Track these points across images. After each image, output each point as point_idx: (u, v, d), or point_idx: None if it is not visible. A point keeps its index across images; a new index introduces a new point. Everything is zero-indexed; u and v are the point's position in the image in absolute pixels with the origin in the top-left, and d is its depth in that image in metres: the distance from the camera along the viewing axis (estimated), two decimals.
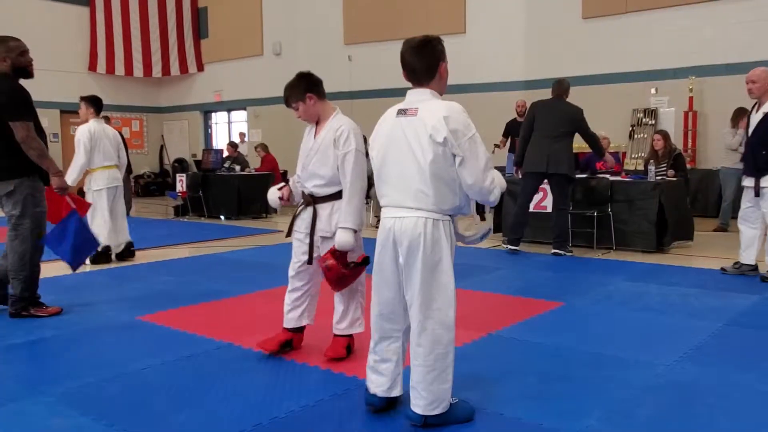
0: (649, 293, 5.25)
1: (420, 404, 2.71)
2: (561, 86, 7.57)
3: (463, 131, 2.59)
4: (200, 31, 17.98)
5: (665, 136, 8.32)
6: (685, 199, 7.81)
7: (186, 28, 17.95)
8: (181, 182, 11.75)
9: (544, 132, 7.15)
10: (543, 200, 7.76)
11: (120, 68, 17.37)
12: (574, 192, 7.52)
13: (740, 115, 8.06)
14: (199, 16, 17.97)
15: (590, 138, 7.19)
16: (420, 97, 2.73)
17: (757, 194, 5.64)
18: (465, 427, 2.79)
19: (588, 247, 7.39)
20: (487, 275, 6.07)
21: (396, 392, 2.88)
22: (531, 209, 7.78)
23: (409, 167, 2.64)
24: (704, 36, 10.53)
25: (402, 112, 2.72)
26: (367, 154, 3.34)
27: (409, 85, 2.86)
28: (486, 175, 2.63)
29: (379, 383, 2.87)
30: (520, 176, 7.50)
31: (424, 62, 2.72)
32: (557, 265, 6.75)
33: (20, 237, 4.57)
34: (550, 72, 12.09)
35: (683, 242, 7.56)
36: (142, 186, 17.75)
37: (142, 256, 7.45)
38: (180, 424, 2.86)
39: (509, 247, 7.38)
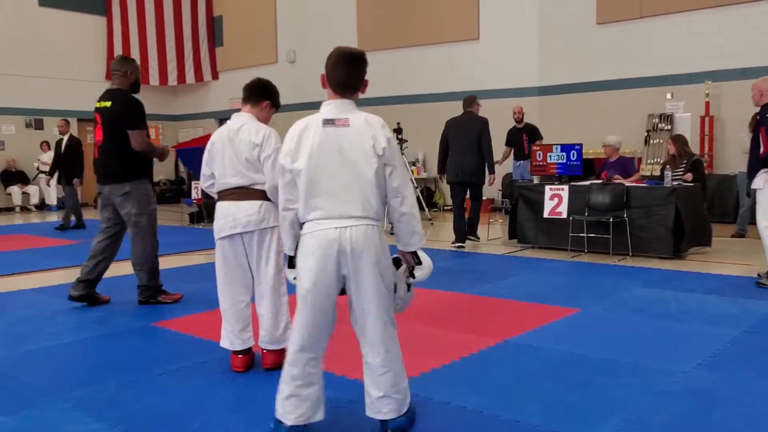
0: (666, 300, 5.20)
1: (394, 407, 2.70)
2: (467, 101, 8.40)
3: (393, 142, 2.65)
4: (215, 39, 18.12)
5: (676, 140, 8.26)
6: (702, 204, 7.73)
7: (201, 36, 18.11)
8: (196, 189, 11.82)
9: (457, 146, 8.17)
10: (558, 206, 7.73)
11: None
12: (589, 197, 7.48)
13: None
14: (214, 25, 18.12)
15: (485, 151, 8.04)
16: (344, 107, 2.66)
17: (748, 194, 5.66)
18: None
19: (604, 253, 7.34)
20: (501, 281, 6.04)
21: (318, 417, 2.71)
22: (546, 215, 7.78)
23: (354, 178, 2.59)
24: (720, 40, 10.44)
25: (330, 123, 2.61)
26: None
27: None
28: (407, 185, 2.68)
29: (300, 412, 2.66)
30: (445, 182, 8.61)
31: (355, 77, 2.69)
32: (573, 271, 6.71)
33: (141, 233, 5.23)
34: (564, 78, 12.08)
35: (701, 248, 7.48)
36: (157, 193, 17.87)
37: None
38: (194, 430, 2.87)
39: (457, 244, 8.26)
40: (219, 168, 3.64)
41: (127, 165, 5.14)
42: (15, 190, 15.41)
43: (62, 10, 16.31)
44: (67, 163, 10.76)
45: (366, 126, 2.61)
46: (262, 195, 3.56)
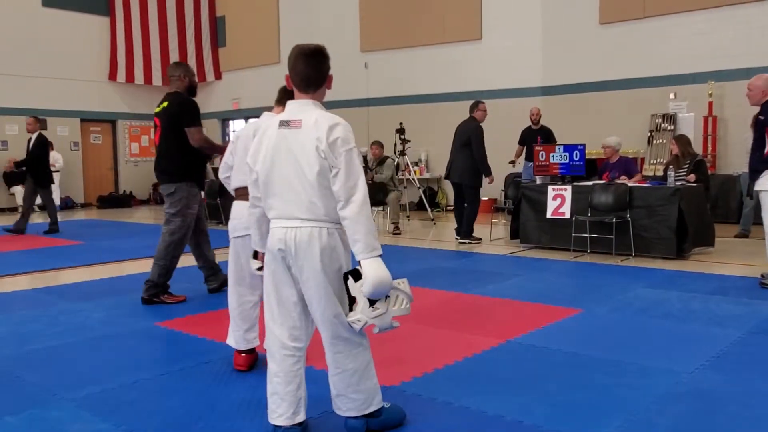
0: (670, 300, 5.19)
1: (353, 407, 2.70)
2: (471, 107, 8.74)
3: (342, 143, 2.54)
4: (218, 39, 18.14)
5: (679, 140, 8.25)
6: (705, 204, 7.72)
7: (204, 37, 18.13)
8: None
9: (453, 148, 8.69)
10: (561, 207, 7.73)
11: (139, 77, 17.56)
12: (592, 197, 7.48)
13: None
14: (217, 25, 18.14)
15: (475, 154, 8.34)
16: (303, 108, 2.67)
17: (750, 196, 5.64)
18: None
19: (607, 253, 7.33)
20: (505, 282, 6.04)
21: (300, 417, 2.73)
22: (549, 216, 7.79)
23: (298, 179, 2.59)
24: (723, 40, 10.43)
25: (285, 124, 2.64)
26: None
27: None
28: (354, 191, 2.53)
29: (281, 411, 2.70)
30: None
31: (316, 71, 2.68)
32: (575, 271, 6.70)
33: (170, 230, 5.37)
34: (568, 78, 12.08)
35: (704, 248, 7.47)
36: (160, 193, 17.87)
37: None
38: (199, 429, 2.87)
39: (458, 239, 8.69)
40: (239, 164, 3.66)
41: (175, 166, 5.34)
42: (18, 190, 15.41)
43: (65, 10, 16.33)
44: (35, 162, 10.30)
45: (314, 126, 2.57)
46: None
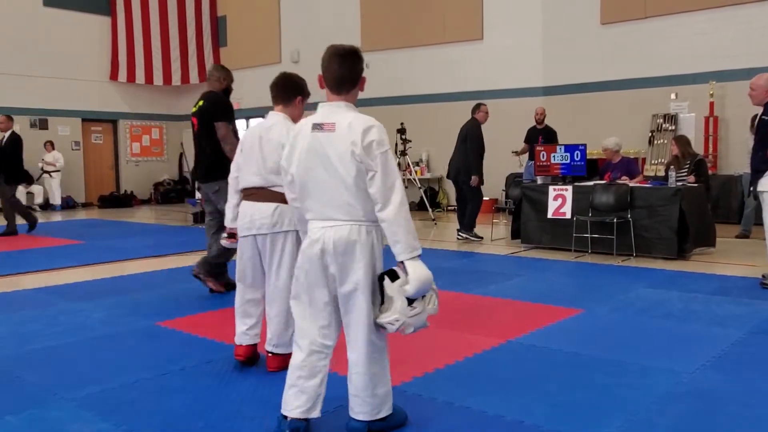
0: (671, 300, 5.19)
1: (365, 411, 2.70)
2: (472, 109, 8.90)
3: (378, 145, 2.56)
4: (219, 39, 18.13)
5: (678, 141, 8.25)
6: (706, 205, 7.71)
7: (205, 36, 18.12)
8: (200, 189, 11.84)
9: (455, 147, 8.83)
10: (562, 207, 7.72)
11: (140, 76, 17.57)
12: (593, 198, 7.48)
13: None
14: (218, 25, 18.13)
15: (468, 152, 8.52)
16: (336, 110, 2.67)
17: (754, 196, 5.63)
18: None
19: (608, 253, 7.33)
20: (506, 282, 6.03)
21: (315, 413, 2.74)
22: (550, 216, 7.79)
23: (334, 182, 2.61)
24: (725, 40, 10.42)
25: (318, 127, 2.65)
26: None
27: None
28: (391, 192, 2.55)
29: (298, 404, 2.70)
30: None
31: (351, 70, 2.69)
32: (576, 271, 6.70)
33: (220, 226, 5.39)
34: (569, 78, 12.07)
35: (705, 249, 7.47)
36: (161, 193, 17.91)
37: (161, 263, 7.51)
38: (199, 429, 2.87)
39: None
40: (244, 164, 3.68)
41: (215, 164, 5.43)
42: (20, 189, 15.42)
43: (66, 10, 16.33)
44: (7, 160, 10.14)
45: (348, 130, 2.58)
46: (278, 197, 3.53)
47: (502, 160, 11.13)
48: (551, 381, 3.41)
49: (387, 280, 2.61)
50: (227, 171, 5.30)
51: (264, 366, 3.68)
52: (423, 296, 2.61)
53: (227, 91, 5.87)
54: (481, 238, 8.74)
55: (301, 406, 2.70)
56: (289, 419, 2.71)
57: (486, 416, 2.96)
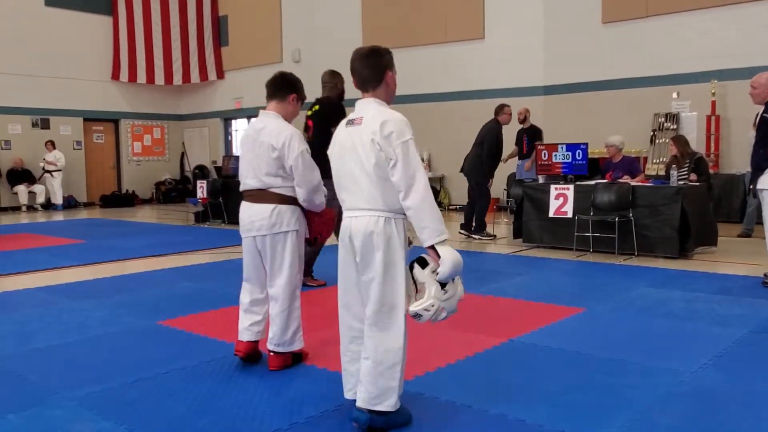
0: (672, 300, 5.18)
1: (363, 397, 2.75)
2: (495, 110, 9.03)
3: (397, 136, 2.65)
4: (220, 39, 18.14)
5: (677, 141, 8.24)
6: (708, 204, 7.70)
7: (206, 36, 18.13)
8: (201, 189, 11.85)
9: (473, 144, 8.97)
10: (563, 206, 7.71)
11: (142, 76, 17.58)
12: (595, 197, 7.47)
13: None
14: (219, 25, 18.14)
15: (486, 152, 8.68)
16: (364, 106, 2.84)
17: (754, 195, 5.62)
18: None
19: (609, 252, 7.32)
20: (507, 281, 6.03)
21: None
22: (551, 215, 7.79)
23: (359, 173, 2.75)
24: (726, 39, 10.40)
25: (350, 122, 2.84)
26: None
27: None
28: (414, 180, 2.63)
29: (350, 386, 2.93)
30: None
31: (370, 70, 2.84)
32: (578, 270, 6.70)
33: None
34: (570, 77, 12.06)
35: (707, 248, 7.46)
36: (163, 192, 17.93)
37: (162, 262, 7.51)
38: (200, 428, 2.87)
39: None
40: (242, 167, 3.69)
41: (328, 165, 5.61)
42: (21, 189, 15.47)
43: (68, 9, 16.34)
44: None
45: (371, 121, 2.72)
46: (278, 198, 3.54)
47: (502, 159, 11.11)
48: (552, 380, 3.40)
49: (417, 268, 2.71)
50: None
51: (266, 365, 3.68)
52: (452, 279, 2.68)
53: (341, 95, 6.23)
54: (494, 236, 8.83)
55: (352, 389, 2.90)
56: (349, 400, 2.92)
57: (487, 415, 2.96)
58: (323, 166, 5.41)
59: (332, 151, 2.92)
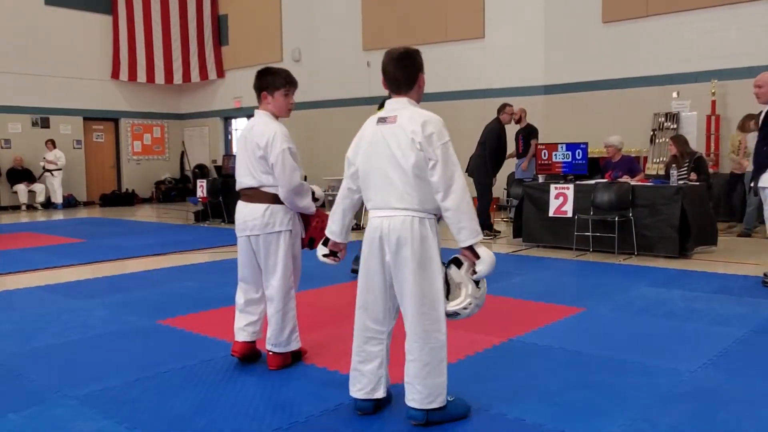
0: (673, 299, 5.18)
1: (416, 398, 2.77)
2: (499, 108, 9.14)
3: (438, 137, 2.69)
4: (220, 38, 18.13)
5: (676, 141, 8.24)
6: (707, 203, 7.71)
7: (206, 35, 18.12)
8: (201, 188, 11.84)
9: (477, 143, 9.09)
10: (563, 205, 7.72)
11: (142, 75, 17.57)
12: (594, 196, 7.47)
13: (748, 120, 8.64)
14: (219, 24, 18.13)
15: (488, 151, 8.74)
16: (398, 106, 2.84)
17: (755, 193, 5.62)
18: None
19: (609, 252, 7.32)
20: (507, 280, 6.03)
21: (379, 394, 2.90)
22: (551, 214, 7.80)
23: (393, 171, 2.75)
24: (727, 39, 10.39)
25: (382, 121, 2.83)
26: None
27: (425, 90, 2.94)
28: (452, 181, 2.68)
29: (360, 385, 2.91)
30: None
31: (405, 72, 2.86)
32: (578, 270, 6.70)
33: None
34: (570, 77, 12.05)
35: (706, 247, 7.46)
36: (163, 191, 17.93)
37: (162, 261, 7.52)
38: (200, 427, 2.87)
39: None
40: (237, 167, 3.70)
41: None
42: (21, 188, 15.46)
43: (68, 8, 16.33)
44: None
45: (409, 121, 2.74)
46: (270, 198, 3.55)
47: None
48: (553, 380, 3.41)
49: (453, 268, 2.78)
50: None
51: (264, 364, 3.68)
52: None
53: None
54: (499, 231, 8.88)
55: (363, 388, 2.90)
56: (358, 400, 2.92)
57: (488, 415, 2.96)
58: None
59: (359, 149, 2.90)
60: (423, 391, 2.75)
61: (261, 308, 3.75)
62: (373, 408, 2.92)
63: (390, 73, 2.86)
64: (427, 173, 2.70)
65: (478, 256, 2.73)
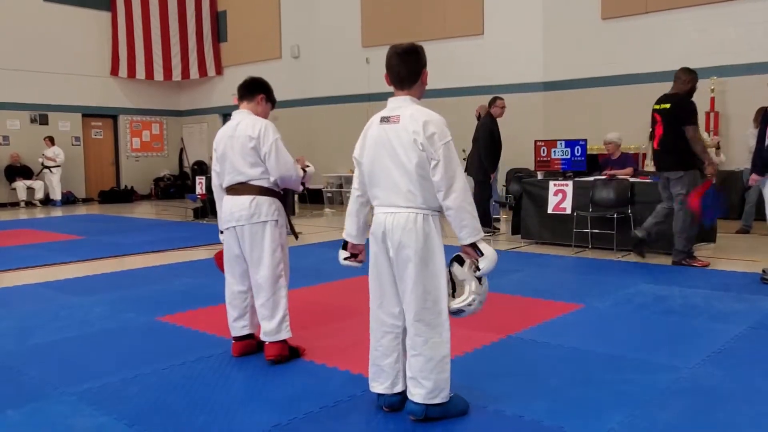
0: (671, 296, 5.19)
1: (420, 393, 2.79)
2: (489, 102, 9.06)
3: (440, 137, 2.72)
4: (219, 34, 18.10)
5: None
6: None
7: (205, 32, 18.09)
8: (200, 185, 11.83)
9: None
10: (562, 202, 7.71)
11: (141, 72, 17.55)
12: (593, 193, 7.47)
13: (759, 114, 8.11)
14: (218, 20, 18.10)
15: (482, 148, 8.66)
16: (400, 104, 2.87)
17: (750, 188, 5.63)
18: (482, 430, 2.78)
19: (608, 249, 7.33)
20: (506, 277, 6.03)
21: (399, 388, 2.93)
22: (550, 211, 7.80)
23: (397, 170, 2.78)
24: (726, 36, 10.38)
25: (385, 120, 2.86)
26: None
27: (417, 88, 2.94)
28: (454, 180, 2.72)
29: (381, 380, 2.93)
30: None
31: (409, 68, 2.88)
32: (577, 267, 6.70)
33: (683, 208, 6.25)
34: (569, 73, 12.04)
35: (705, 244, 7.46)
36: (161, 188, 17.92)
37: (161, 258, 7.51)
38: (200, 424, 2.88)
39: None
40: (222, 169, 3.77)
41: (681, 156, 6.25)
42: (20, 184, 15.45)
43: (66, 5, 16.31)
44: None
45: (411, 121, 2.76)
46: (256, 190, 3.65)
47: (503, 156, 11.10)
48: (551, 376, 3.41)
49: (456, 266, 2.81)
50: (692, 163, 6.33)
51: (263, 361, 3.69)
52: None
53: (691, 92, 6.40)
54: (498, 229, 8.89)
55: (384, 383, 2.92)
56: (382, 396, 2.93)
57: (486, 411, 2.97)
58: (685, 157, 6.19)
59: (364, 149, 2.92)
60: (427, 385, 2.77)
61: (247, 300, 3.81)
62: (399, 403, 2.91)
63: (394, 67, 2.89)
64: (429, 172, 2.72)
65: (480, 254, 2.75)
